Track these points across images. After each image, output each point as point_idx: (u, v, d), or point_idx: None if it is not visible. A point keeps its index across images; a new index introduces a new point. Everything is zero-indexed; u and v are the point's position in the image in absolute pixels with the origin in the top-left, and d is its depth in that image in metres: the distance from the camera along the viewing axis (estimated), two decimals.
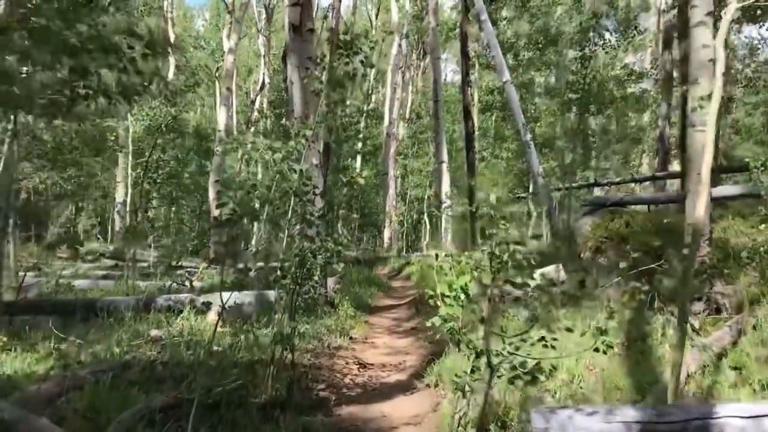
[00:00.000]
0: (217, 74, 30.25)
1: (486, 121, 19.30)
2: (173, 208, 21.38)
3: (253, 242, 23.89)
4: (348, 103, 34.73)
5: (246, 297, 8.76)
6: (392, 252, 24.53)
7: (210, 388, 4.85)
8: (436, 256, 4.29)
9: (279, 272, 4.64)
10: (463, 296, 3.86)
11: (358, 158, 33.10)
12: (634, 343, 5.36)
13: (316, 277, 5.01)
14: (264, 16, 29.74)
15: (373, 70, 38.56)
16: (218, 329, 8.13)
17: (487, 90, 19.29)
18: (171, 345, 6.78)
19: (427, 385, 5.58)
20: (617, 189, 13.32)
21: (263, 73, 28.56)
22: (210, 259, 19.15)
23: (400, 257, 22.89)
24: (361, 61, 5.23)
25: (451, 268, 4.09)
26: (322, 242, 4.87)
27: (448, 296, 3.89)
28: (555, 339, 3.55)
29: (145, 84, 4.14)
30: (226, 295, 9.71)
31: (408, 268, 19.93)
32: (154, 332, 7.27)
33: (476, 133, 16.99)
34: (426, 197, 25.09)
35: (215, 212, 19.59)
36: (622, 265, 4.68)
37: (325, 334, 7.44)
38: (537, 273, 8.78)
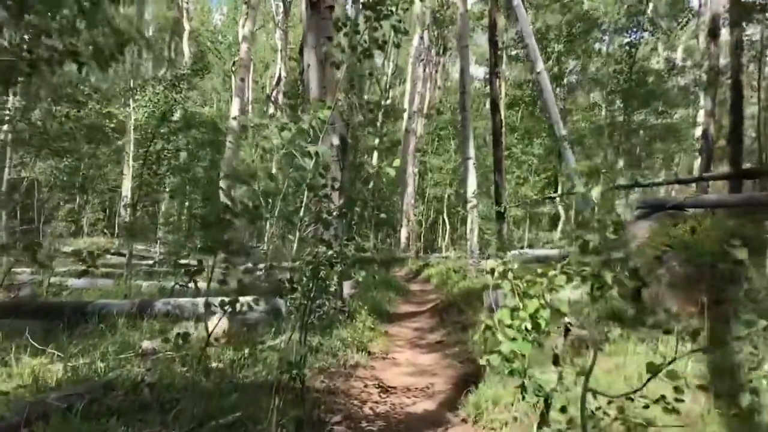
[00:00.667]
0: (233, 68, 29.59)
1: (511, 117, 18.32)
2: (186, 203, 20.65)
3: (266, 239, 23.13)
4: (366, 97, 33.95)
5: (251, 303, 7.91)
6: (410, 253, 23.66)
7: (201, 421, 4.03)
8: (492, 271, 3.36)
9: (287, 284, 3.78)
10: (530, 326, 2.95)
11: (375, 154, 32.27)
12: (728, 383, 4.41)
13: (332, 290, 4.12)
14: (281, 9, 28.98)
15: (391, 66, 37.85)
16: (220, 341, 7.30)
17: (514, 84, 18.30)
18: (164, 360, 5.97)
19: (463, 420, 4.69)
20: (665, 190, 12.35)
21: (279, 68, 27.83)
22: (222, 258, 18.43)
23: (418, 258, 22.04)
24: (393, 26, 4.35)
25: (512, 289, 3.17)
26: (341, 247, 3.99)
27: (510, 326, 2.97)
28: (680, 400, 2.63)
29: (122, 44, 3.29)
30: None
31: (427, 270, 19.08)
32: (146, 344, 6.46)
33: (504, 128, 16.08)
34: (446, 196, 24.15)
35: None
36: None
37: (340, 348, 6.58)
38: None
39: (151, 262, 15.58)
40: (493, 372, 5.54)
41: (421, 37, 25.68)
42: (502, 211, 12.15)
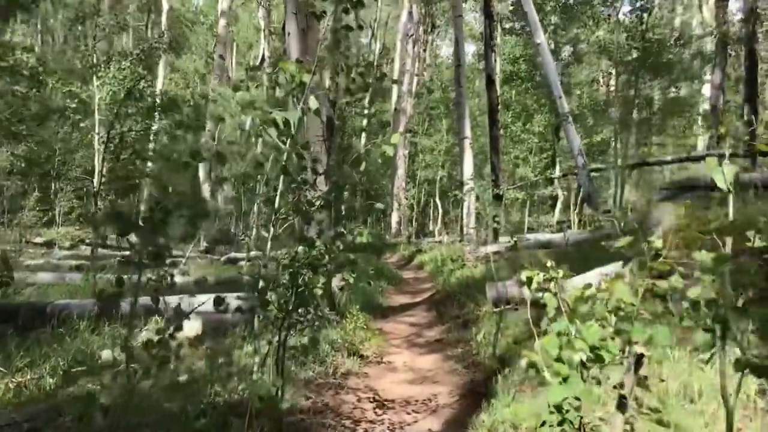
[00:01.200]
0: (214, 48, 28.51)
1: (507, 94, 17.57)
2: (169, 189, 19.81)
3: (252, 224, 22.39)
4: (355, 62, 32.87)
5: (233, 300, 7.20)
6: (401, 238, 22.94)
7: None
8: (528, 280, 2.63)
9: (258, 296, 3.04)
10: (587, 358, 2.21)
11: (363, 136, 31.43)
12: None
13: (317, 298, 3.37)
14: None
15: (379, 45, 36.84)
16: (192, 346, 6.54)
17: (510, 58, 17.49)
18: (124, 374, 5.20)
19: None
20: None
21: (263, 48, 26.80)
22: (204, 248, 17.60)
23: (410, 244, 21.33)
24: None
25: (558, 307, 2.44)
26: (327, 247, 3.23)
27: (559, 359, 2.23)
28: None
29: None
30: (207, 299, 8.05)
31: (420, 256, 18.37)
32: (105, 353, 5.71)
33: (499, 106, 15.31)
34: (438, 178, 23.40)
35: (207, 193, 18.17)
36: None
37: (329, 353, 5.85)
38: (593, 271, 7.13)
39: (126, 253, 14.70)
40: (506, 381, 4.86)
41: (410, 13, 24.75)
42: (501, 193, 11.44)
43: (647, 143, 10.42)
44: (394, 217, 25.04)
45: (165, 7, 26.85)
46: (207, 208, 2.77)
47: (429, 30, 35.25)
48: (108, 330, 6.26)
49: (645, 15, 10.16)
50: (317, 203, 3.77)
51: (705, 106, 14.71)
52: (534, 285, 2.61)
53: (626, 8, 12.32)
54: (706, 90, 15.10)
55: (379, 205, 5.24)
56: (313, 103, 7.04)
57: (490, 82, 13.51)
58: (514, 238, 9.80)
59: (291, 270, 3.09)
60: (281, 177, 3.25)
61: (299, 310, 3.30)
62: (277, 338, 3.10)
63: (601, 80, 19.21)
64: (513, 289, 6.98)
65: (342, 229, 3.45)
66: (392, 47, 31.80)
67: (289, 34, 7.43)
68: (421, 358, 6.53)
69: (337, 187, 3.38)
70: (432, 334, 7.81)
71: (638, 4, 10.04)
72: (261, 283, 3.10)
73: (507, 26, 18.77)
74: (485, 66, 13.80)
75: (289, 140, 3.15)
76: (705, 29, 15.62)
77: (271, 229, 3.25)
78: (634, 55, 9.82)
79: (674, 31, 14.70)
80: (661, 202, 6.02)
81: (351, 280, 7.38)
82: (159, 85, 22.07)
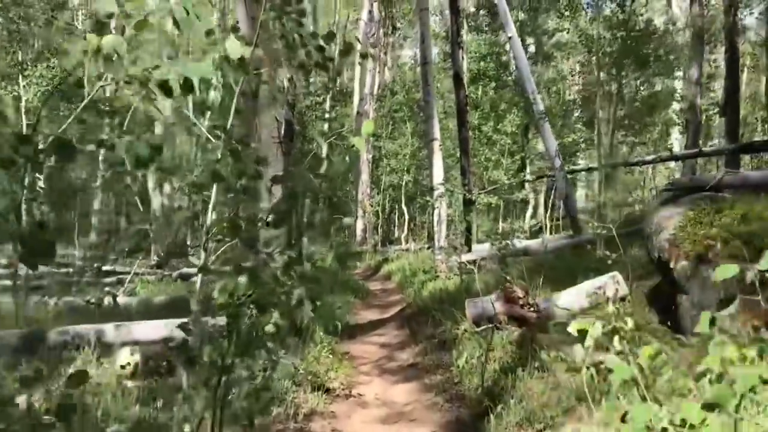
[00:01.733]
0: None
1: (474, 94, 16.98)
2: (109, 197, 18.66)
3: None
4: (311, 80, 32.20)
5: (176, 331, 6.35)
6: (367, 246, 22.18)
7: None
8: (582, 333, 1.88)
9: (184, 350, 2.25)
10: None
11: (324, 144, 30.52)
12: None
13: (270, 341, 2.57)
14: None
15: (338, 48, 36.02)
16: (130, 383, 5.67)
17: (477, 56, 16.95)
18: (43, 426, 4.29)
19: None
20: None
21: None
22: (155, 262, 16.53)
23: (376, 252, 20.60)
24: None
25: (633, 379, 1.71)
26: (277, 279, 2.45)
27: None
28: None
29: None
30: (149, 327, 7.14)
31: (387, 265, 17.66)
32: (22, 399, 4.79)
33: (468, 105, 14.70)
34: (403, 183, 22.73)
35: (158, 209, 17.14)
36: None
37: (288, 389, 5.05)
38: (584, 285, 6.49)
39: (69, 270, 13.70)
40: (500, 422, 4.15)
41: (370, 12, 24.06)
42: (473, 198, 10.81)
43: (627, 142, 9.95)
44: (359, 225, 24.25)
45: None
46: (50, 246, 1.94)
47: (389, 32, 34.70)
48: (30, 366, 5.33)
49: (627, 3, 9.71)
50: (267, 218, 2.99)
51: (677, 102, 14.47)
52: (591, 341, 1.87)
53: None
54: (678, 85, 14.88)
55: (348, 220, 4.46)
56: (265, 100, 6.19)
57: (458, 80, 12.89)
58: (496, 245, 9.14)
59: (230, 313, 2.31)
60: (214, 184, 2.47)
61: (244, 360, 2.52)
62: (211, 403, 2.31)
63: (570, 78, 18.85)
64: (496, 306, 6.30)
65: (299, 251, 2.68)
66: (352, 50, 31.06)
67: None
68: (394, 389, 5.79)
69: (292, 196, 2.60)
70: (405, 356, 7.08)
71: None
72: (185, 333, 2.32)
73: (472, 23, 18.28)
74: (452, 64, 13.19)
75: (222, 133, 2.37)
76: (674, 24, 15.43)
77: (202, 255, 2.47)
78: (616, 46, 9.32)
79: (650, 23, 14.31)
80: (663, 204, 5.41)
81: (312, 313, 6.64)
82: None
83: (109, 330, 6.56)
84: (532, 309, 6.22)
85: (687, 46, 12.49)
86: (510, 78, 17.36)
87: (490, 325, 6.17)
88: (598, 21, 10.30)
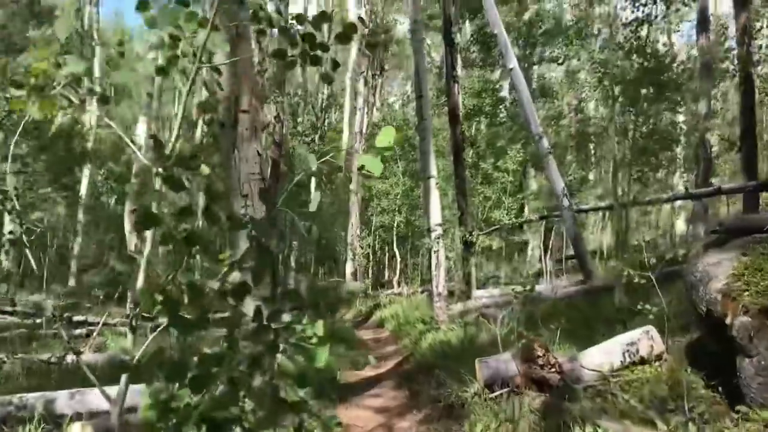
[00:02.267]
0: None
1: (467, 132, 16.37)
2: (78, 240, 17.72)
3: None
4: (300, 120, 31.78)
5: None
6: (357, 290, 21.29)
7: None
8: None
9: None
10: None
11: (313, 182, 29.90)
12: None
13: None
14: None
15: (326, 90, 35.81)
16: None
17: (472, 92, 16.45)
18: None
19: None
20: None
21: None
22: (129, 313, 15.47)
23: (367, 297, 19.69)
24: None
25: None
26: (237, 385, 1.64)
27: None
28: None
29: None
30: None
31: (379, 311, 16.76)
32: None
33: (468, 138, 14.12)
34: (395, 224, 21.97)
35: (132, 247, 16.24)
36: None
37: None
38: (613, 342, 5.70)
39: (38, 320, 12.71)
40: None
41: (359, 49, 23.75)
42: (473, 239, 10.09)
43: (643, 179, 9.40)
44: (349, 268, 23.40)
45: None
46: None
47: (378, 73, 34.55)
48: None
49: (639, 27, 9.21)
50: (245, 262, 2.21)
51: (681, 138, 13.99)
52: None
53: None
54: (680, 119, 14.44)
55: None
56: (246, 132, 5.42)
57: (453, 116, 12.32)
58: (513, 292, 8.34)
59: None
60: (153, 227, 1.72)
61: None
62: None
63: (570, 114, 18.35)
64: (512, 366, 5.49)
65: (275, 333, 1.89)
66: (340, 93, 30.67)
67: None
68: None
69: (262, 251, 1.83)
70: (406, 425, 6.21)
71: (635, 15, 9.07)
72: None
73: (466, 58, 17.86)
74: (448, 99, 12.64)
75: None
76: (673, 60, 15.01)
77: (128, 334, 1.71)
78: (633, 72, 8.79)
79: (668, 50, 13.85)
80: (708, 248, 4.69)
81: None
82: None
83: (62, 398, 5.67)
84: (554, 370, 5.42)
85: (689, 80, 12.12)
86: (506, 115, 16.82)
87: (507, 390, 5.38)
88: (610, 48, 9.81)
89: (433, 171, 10.05)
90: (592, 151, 16.54)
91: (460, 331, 8.45)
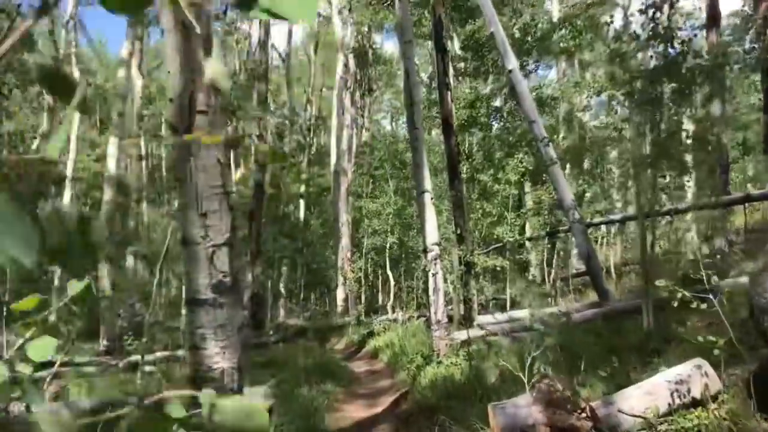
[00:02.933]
0: None
1: (463, 144, 15.47)
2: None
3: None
4: (286, 140, 31.01)
5: None
6: (349, 318, 20.25)
7: None
8: None
9: None
10: None
11: (302, 204, 29.02)
12: None
13: None
14: None
15: (314, 109, 35.12)
16: None
17: (465, 102, 15.62)
18: None
19: None
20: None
21: None
22: (104, 347, 14.41)
23: (360, 324, 18.66)
24: None
25: None
26: None
27: None
28: None
29: None
30: None
31: (372, 340, 15.74)
32: None
33: (463, 151, 13.25)
34: (387, 246, 21.03)
35: (107, 287, 15.13)
36: None
37: None
38: (657, 379, 4.82)
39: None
40: None
41: (345, 65, 23.02)
42: (474, 259, 9.19)
43: (667, 186, 8.51)
44: (340, 294, 22.37)
45: None
46: None
47: (366, 93, 33.94)
48: None
49: (657, 12, 8.43)
50: None
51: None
52: None
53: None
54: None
55: None
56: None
57: (447, 126, 11.49)
58: (499, 317, 7.47)
59: None
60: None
61: None
62: None
63: (580, 117, 17.43)
64: (534, 412, 4.56)
65: None
66: (328, 115, 29.92)
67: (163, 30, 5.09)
68: None
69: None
70: None
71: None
72: None
73: (459, 67, 17.10)
74: (440, 108, 11.81)
75: None
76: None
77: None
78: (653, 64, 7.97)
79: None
80: None
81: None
82: None
83: None
84: (585, 416, 4.48)
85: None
86: (501, 125, 15.97)
87: None
88: (625, 37, 8.93)
89: (428, 185, 9.17)
90: (594, 163, 15.70)
91: (464, 365, 7.49)
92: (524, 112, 10.06)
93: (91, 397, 8.27)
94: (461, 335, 8.84)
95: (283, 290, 27.90)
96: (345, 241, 22.28)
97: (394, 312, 19.93)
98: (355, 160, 24.43)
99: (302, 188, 28.57)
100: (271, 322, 22.32)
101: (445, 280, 9.35)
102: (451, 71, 13.65)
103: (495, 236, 13.77)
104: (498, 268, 11.24)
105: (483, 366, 7.25)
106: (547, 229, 12.95)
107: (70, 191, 21.60)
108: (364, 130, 31.65)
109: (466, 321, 9.91)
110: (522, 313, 9.41)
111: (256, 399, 3.36)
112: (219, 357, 4.88)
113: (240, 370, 4.80)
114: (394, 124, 36.78)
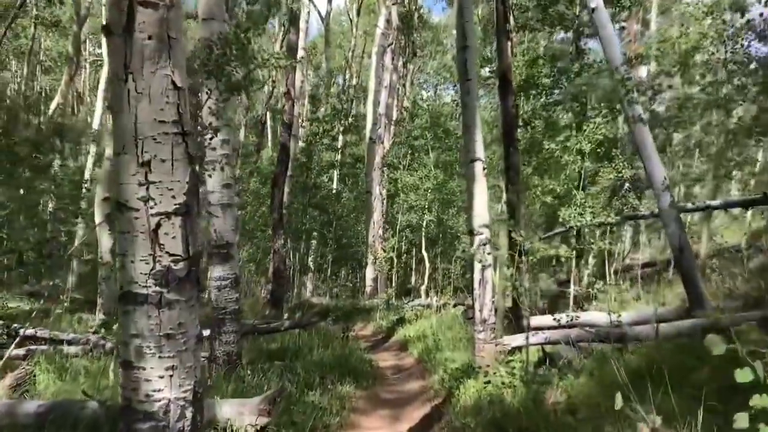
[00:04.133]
0: None
1: (521, 108, 13.46)
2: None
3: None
4: (322, 110, 29.36)
5: None
6: (377, 300, 18.76)
7: None
8: None
9: None
10: None
11: (335, 174, 27.50)
12: None
13: None
14: None
15: (354, 79, 33.35)
16: None
17: (526, 60, 13.59)
18: None
19: None
20: None
21: None
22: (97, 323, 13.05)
23: (389, 309, 17.17)
24: None
25: None
26: None
27: None
28: None
29: None
30: None
31: (402, 328, 14.25)
32: None
33: (520, 116, 11.37)
34: (424, 224, 19.39)
35: (106, 252, 13.80)
36: None
37: None
38: None
39: None
40: None
41: (388, 20, 21.19)
42: (533, 247, 7.55)
43: None
44: (369, 273, 20.88)
45: None
46: None
47: (410, 59, 32.10)
48: None
49: None
50: None
51: None
52: None
53: None
54: None
55: None
56: None
57: (505, 83, 9.75)
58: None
59: None
60: None
61: None
62: None
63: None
64: None
65: None
66: (368, 85, 28.25)
67: None
68: None
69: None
70: None
71: None
72: None
73: (520, 17, 15.02)
74: (499, 61, 10.04)
75: None
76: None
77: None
78: None
79: None
80: None
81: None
82: None
83: None
84: None
85: None
86: (567, 90, 13.90)
87: None
88: None
89: (480, 152, 7.47)
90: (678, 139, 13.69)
91: (518, 385, 5.84)
92: (608, 57, 8.26)
93: (47, 393, 6.91)
94: (513, 340, 7.23)
95: (311, 265, 26.57)
96: (377, 216, 20.71)
97: (427, 296, 18.42)
98: (394, 129, 22.76)
99: (337, 157, 27.03)
100: (297, 298, 21.03)
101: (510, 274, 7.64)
102: (512, 21, 11.78)
103: (558, 220, 11.77)
104: (563, 259, 9.43)
105: (543, 389, 5.62)
106: (614, 213, 11.05)
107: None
108: (405, 99, 29.91)
109: (517, 322, 8.28)
110: (591, 316, 7.74)
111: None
112: (164, 382, 3.35)
113: (196, 403, 3.28)
114: (436, 91, 34.85)
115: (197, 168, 3.23)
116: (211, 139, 7.35)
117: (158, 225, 3.00)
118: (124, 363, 3.08)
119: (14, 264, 15.65)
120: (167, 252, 3.00)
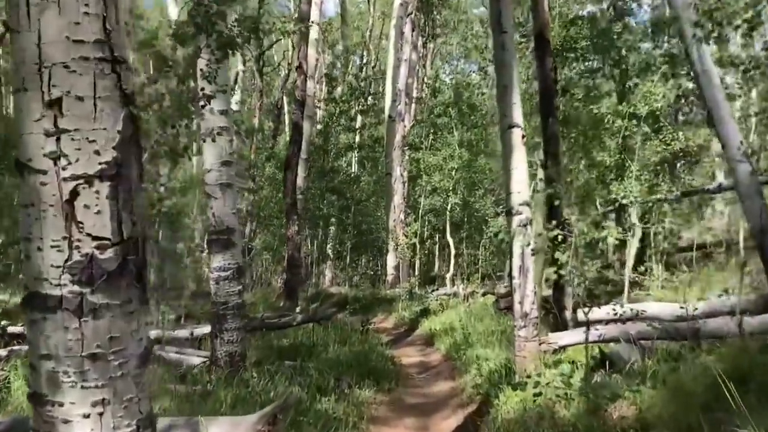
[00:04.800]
0: None
1: (561, 74, 12.28)
2: None
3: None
4: (339, 89, 28.35)
5: None
6: (399, 289, 17.80)
7: None
8: None
9: None
10: None
11: (353, 157, 26.56)
12: None
13: None
14: None
15: (372, 57, 32.25)
16: None
17: (564, 21, 12.39)
18: None
19: None
20: None
21: None
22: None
23: (412, 298, 16.23)
24: None
25: None
26: None
27: None
28: None
29: None
30: None
31: (427, 321, 13.30)
32: None
33: (558, 82, 10.16)
34: (449, 207, 18.38)
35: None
36: None
37: None
38: None
39: None
40: None
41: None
42: (580, 227, 6.55)
43: None
44: (390, 261, 19.91)
45: None
46: None
47: (430, 39, 30.92)
48: None
49: None
50: None
51: None
52: None
53: None
54: None
55: None
56: None
57: (541, 43, 8.69)
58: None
59: None
60: None
61: None
62: None
63: None
64: None
65: None
66: (387, 63, 27.23)
67: None
68: None
69: None
70: None
71: None
72: None
73: None
74: (534, 20, 8.97)
75: None
76: None
77: None
78: None
79: None
80: None
81: None
82: None
83: None
84: None
85: None
86: (613, 49, 12.54)
87: None
88: None
89: (518, 117, 6.45)
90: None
91: (574, 395, 4.84)
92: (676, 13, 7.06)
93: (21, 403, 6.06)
94: (561, 338, 6.23)
95: (330, 253, 25.69)
96: (398, 199, 19.70)
97: (453, 285, 17.45)
98: (415, 108, 21.69)
99: (355, 138, 26.06)
100: (315, 288, 20.24)
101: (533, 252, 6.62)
102: None
103: (608, 196, 10.52)
104: (617, 241, 8.35)
105: (605, 402, 4.63)
106: (662, 189, 9.83)
107: None
108: (425, 79, 28.83)
109: (559, 315, 7.28)
110: (653, 307, 6.71)
111: None
112: (89, 424, 2.32)
113: None
114: (459, 65, 33.57)
115: (135, 111, 2.25)
116: (203, 107, 6.47)
117: (74, 194, 2.02)
118: (32, 396, 2.15)
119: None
120: (88, 234, 2.01)
